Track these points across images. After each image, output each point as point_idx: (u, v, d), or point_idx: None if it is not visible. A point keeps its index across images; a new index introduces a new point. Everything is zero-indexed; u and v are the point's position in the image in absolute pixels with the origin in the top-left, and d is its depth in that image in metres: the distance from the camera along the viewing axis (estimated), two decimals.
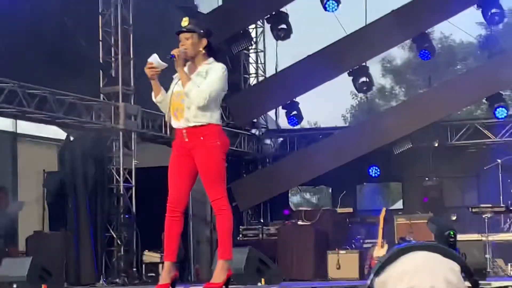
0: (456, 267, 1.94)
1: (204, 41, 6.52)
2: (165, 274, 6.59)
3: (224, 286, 6.52)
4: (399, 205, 21.46)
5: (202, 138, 6.40)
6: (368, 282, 1.99)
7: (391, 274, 1.94)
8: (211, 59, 6.55)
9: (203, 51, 6.52)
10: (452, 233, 8.30)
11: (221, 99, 6.55)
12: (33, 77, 12.62)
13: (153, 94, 6.62)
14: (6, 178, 15.66)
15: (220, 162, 6.44)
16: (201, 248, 15.60)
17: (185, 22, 6.55)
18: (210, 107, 6.40)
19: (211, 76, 6.44)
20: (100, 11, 14.44)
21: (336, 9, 16.37)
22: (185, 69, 6.51)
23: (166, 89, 6.59)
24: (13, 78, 12.42)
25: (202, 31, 6.53)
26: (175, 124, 6.54)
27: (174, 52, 6.43)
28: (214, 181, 6.44)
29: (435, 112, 16.53)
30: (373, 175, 17.63)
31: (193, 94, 6.36)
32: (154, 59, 6.45)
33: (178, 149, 6.57)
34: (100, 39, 14.41)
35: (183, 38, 6.53)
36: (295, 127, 18.49)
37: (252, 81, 18.98)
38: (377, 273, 1.96)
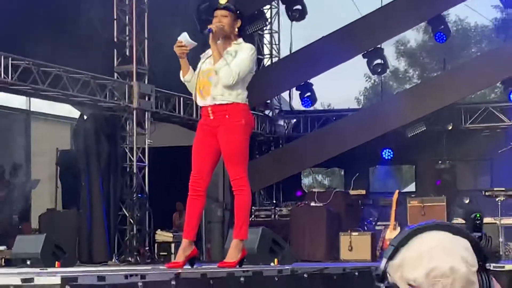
0: (467, 244, 1.93)
1: (239, 22, 6.55)
2: (181, 252, 6.57)
3: (238, 266, 6.52)
4: (411, 187, 21.43)
5: (227, 116, 6.38)
6: (382, 266, 1.96)
7: (406, 256, 1.92)
8: (240, 40, 6.55)
9: (236, 32, 6.52)
10: (478, 215, 8.35)
11: (249, 79, 6.54)
12: (47, 55, 12.61)
13: (181, 73, 6.58)
14: (19, 156, 15.73)
15: (243, 141, 6.42)
16: (212, 228, 15.62)
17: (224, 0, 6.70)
18: (237, 86, 6.39)
19: (240, 56, 6.43)
20: None
21: None
22: None
23: (194, 69, 6.56)
24: (27, 56, 12.42)
25: (238, 11, 6.57)
26: (200, 102, 6.51)
27: (212, 26, 6.41)
28: (236, 160, 6.42)
29: (449, 95, 16.46)
30: (386, 157, 17.60)
31: (222, 72, 6.35)
32: (184, 37, 6.42)
33: (202, 127, 6.54)
34: (115, 17, 14.39)
35: (219, 15, 6.51)
36: (309, 109, 18.47)
37: (266, 62, 18.93)
38: (391, 257, 1.94)
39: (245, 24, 6.75)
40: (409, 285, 1.91)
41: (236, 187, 6.48)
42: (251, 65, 6.51)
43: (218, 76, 6.37)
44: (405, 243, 1.92)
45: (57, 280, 4.22)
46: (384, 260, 1.94)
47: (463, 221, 13.40)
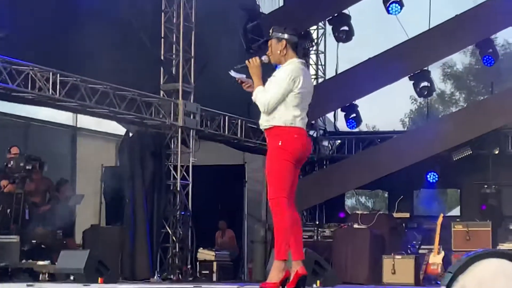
0: None
1: (282, 43, 6.54)
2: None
3: (280, 287, 6.48)
4: (456, 212, 21.21)
5: (268, 139, 6.51)
6: None
7: (466, 284, 1.89)
8: (291, 60, 6.52)
9: (284, 52, 6.53)
10: None
11: (293, 99, 6.48)
12: (95, 71, 12.74)
13: None
14: (65, 171, 15.85)
15: (278, 163, 6.42)
16: (255, 248, 15.58)
17: (271, 31, 6.68)
18: (278, 109, 6.45)
19: (271, 82, 6.50)
20: (163, 8, 14.52)
21: (399, 12, 16.26)
22: None
23: None
24: (75, 73, 12.55)
25: (279, 34, 6.54)
26: None
27: (246, 62, 6.53)
28: (271, 181, 6.45)
29: (496, 119, 16.27)
30: (431, 180, 17.45)
31: (257, 102, 6.51)
32: (235, 74, 6.60)
33: None
34: (162, 36, 14.49)
35: (269, 46, 6.66)
36: (353, 130, 18.40)
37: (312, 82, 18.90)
38: (449, 285, 1.90)
39: (294, 40, 6.64)
40: None
41: (272, 208, 6.51)
42: (285, 86, 6.44)
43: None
44: (463, 271, 1.89)
45: None
46: None
47: None
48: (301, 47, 6.75)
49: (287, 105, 6.47)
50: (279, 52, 6.54)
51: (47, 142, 15.81)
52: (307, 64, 18.79)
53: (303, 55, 6.81)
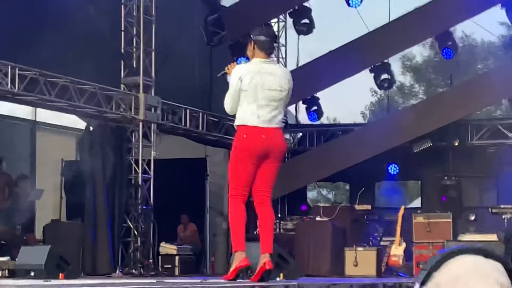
0: (500, 267, 1.88)
1: (251, 44, 6.70)
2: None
3: (236, 275, 6.56)
4: (417, 203, 21.36)
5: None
6: None
7: (440, 281, 1.87)
8: (253, 60, 6.67)
9: (253, 53, 6.67)
10: None
11: (244, 97, 6.57)
12: (54, 65, 12.60)
13: None
14: (24, 166, 15.68)
15: (232, 159, 6.74)
16: (217, 241, 15.57)
17: None
18: (238, 109, 6.64)
19: None
20: (122, 1, 14.40)
21: (359, 5, 16.30)
22: None
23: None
24: (35, 66, 12.40)
25: (251, 35, 6.71)
26: None
27: (226, 68, 6.80)
28: (228, 178, 6.82)
29: (455, 111, 16.42)
30: (392, 173, 17.55)
31: None
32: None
33: None
34: (122, 29, 14.37)
35: None
36: (315, 123, 18.44)
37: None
38: (423, 282, 1.89)
39: (260, 39, 6.69)
40: None
41: (228, 202, 6.78)
42: (234, 87, 6.63)
43: None
44: (438, 267, 1.87)
45: None
46: (417, 285, 1.89)
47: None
48: (268, 45, 6.76)
49: (242, 104, 6.64)
50: (249, 53, 6.67)
51: (5, 137, 15.64)
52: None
53: (269, 53, 6.83)
